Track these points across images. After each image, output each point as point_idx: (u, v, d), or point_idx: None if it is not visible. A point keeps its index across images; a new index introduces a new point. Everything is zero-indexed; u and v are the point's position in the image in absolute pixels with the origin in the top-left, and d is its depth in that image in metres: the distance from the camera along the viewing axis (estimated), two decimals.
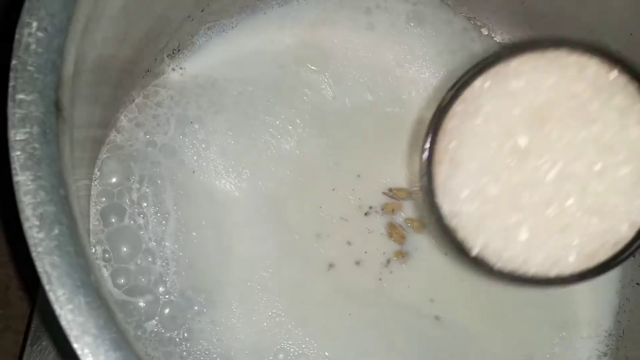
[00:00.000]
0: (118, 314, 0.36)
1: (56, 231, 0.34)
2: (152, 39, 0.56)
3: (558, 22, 0.61)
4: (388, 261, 0.61)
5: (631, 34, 0.54)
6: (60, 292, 0.34)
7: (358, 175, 0.63)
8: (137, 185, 0.58)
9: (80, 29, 0.39)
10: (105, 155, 0.57)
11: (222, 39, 0.63)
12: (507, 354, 0.61)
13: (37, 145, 0.35)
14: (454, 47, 0.66)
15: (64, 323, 0.34)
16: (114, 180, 0.57)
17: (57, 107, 0.37)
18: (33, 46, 0.36)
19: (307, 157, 0.63)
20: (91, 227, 0.56)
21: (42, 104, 0.36)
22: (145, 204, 0.58)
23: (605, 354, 0.62)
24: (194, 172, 0.60)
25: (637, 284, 0.62)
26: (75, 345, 0.34)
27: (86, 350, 0.34)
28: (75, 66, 0.40)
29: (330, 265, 0.60)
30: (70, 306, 0.34)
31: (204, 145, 0.61)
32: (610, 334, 0.62)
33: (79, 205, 0.38)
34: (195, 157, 0.60)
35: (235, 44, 0.63)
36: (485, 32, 0.67)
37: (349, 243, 0.61)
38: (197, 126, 0.61)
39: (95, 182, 0.57)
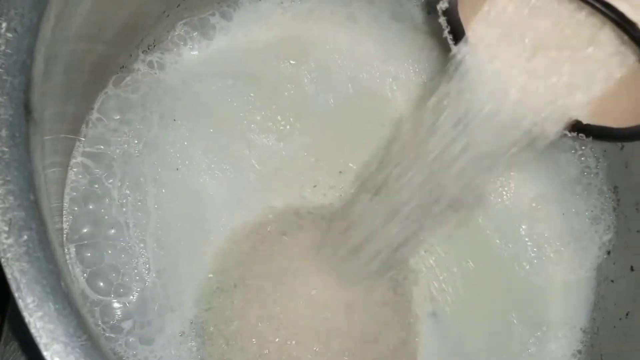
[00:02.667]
0: (89, 319, 0.36)
1: (25, 237, 0.34)
2: (127, 34, 0.55)
3: None
4: None
5: None
6: (29, 299, 0.33)
7: (340, 172, 0.63)
8: (119, 184, 0.57)
9: (51, 27, 0.38)
10: (84, 150, 0.56)
11: (198, 35, 0.62)
12: (482, 354, 0.61)
13: (5, 149, 0.35)
14: (434, 43, 0.65)
15: (33, 330, 0.33)
16: (92, 179, 0.56)
17: (27, 109, 0.36)
18: (2, 47, 0.35)
19: (289, 153, 0.62)
20: (68, 225, 0.55)
21: (11, 106, 0.35)
22: (125, 201, 0.57)
23: (580, 352, 0.62)
24: (177, 169, 0.59)
25: (612, 281, 0.62)
26: (45, 353, 0.33)
27: (56, 358, 0.33)
28: (46, 65, 0.39)
29: None
30: (39, 313, 0.33)
31: (186, 143, 0.60)
32: (585, 332, 0.63)
33: (50, 207, 0.38)
34: (178, 154, 0.60)
35: (212, 39, 0.63)
36: None
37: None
38: (179, 122, 0.60)
39: (72, 179, 0.56)
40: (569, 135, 0.47)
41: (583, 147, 0.64)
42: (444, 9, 0.46)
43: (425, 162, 0.49)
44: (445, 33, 0.47)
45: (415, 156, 0.50)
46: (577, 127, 0.47)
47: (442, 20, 0.46)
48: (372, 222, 0.54)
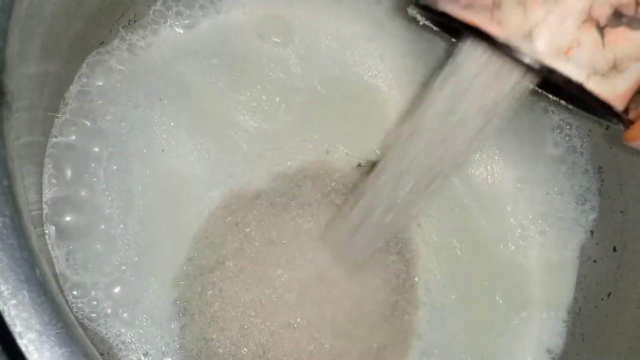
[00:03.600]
0: (66, 307, 0.35)
1: None
2: (106, 10, 0.54)
3: None
4: None
5: None
6: (3, 286, 0.33)
7: (327, 152, 0.62)
8: (105, 164, 0.56)
9: (25, 7, 0.37)
10: (63, 128, 0.55)
11: (180, 10, 0.61)
12: (467, 334, 0.61)
13: None
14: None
15: (7, 319, 0.33)
16: (73, 157, 0.55)
17: (1, 91, 0.35)
18: None
19: (275, 133, 0.62)
20: (48, 206, 0.54)
21: None
22: (108, 182, 0.56)
23: (562, 331, 0.63)
24: (162, 150, 0.59)
25: (595, 261, 0.62)
26: (19, 342, 0.33)
27: (31, 347, 0.33)
28: (21, 45, 0.38)
29: None
30: (13, 301, 0.33)
31: (172, 123, 0.59)
32: (568, 311, 0.63)
33: (25, 193, 0.37)
34: (164, 135, 0.59)
35: (195, 14, 0.61)
36: None
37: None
38: (165, 102, 0.59)
39: (52, 158, 0.54)
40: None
41: (568, 127, 0.64)
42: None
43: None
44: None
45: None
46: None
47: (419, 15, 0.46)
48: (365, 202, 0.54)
